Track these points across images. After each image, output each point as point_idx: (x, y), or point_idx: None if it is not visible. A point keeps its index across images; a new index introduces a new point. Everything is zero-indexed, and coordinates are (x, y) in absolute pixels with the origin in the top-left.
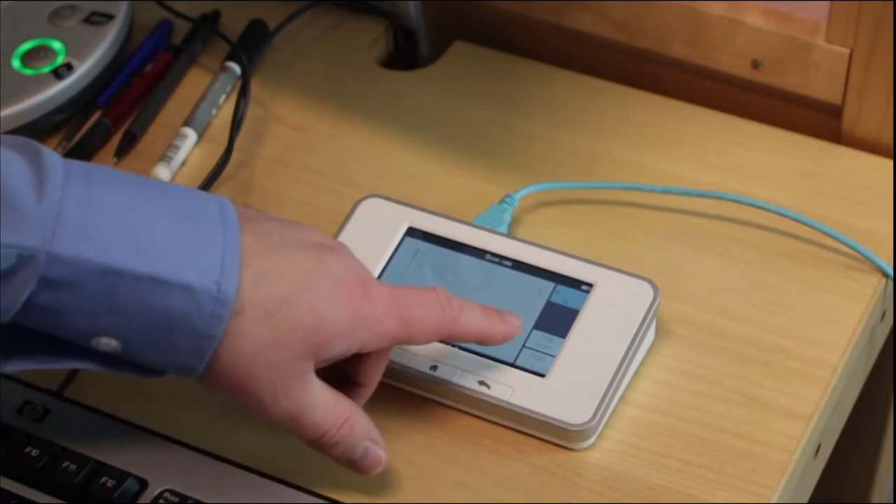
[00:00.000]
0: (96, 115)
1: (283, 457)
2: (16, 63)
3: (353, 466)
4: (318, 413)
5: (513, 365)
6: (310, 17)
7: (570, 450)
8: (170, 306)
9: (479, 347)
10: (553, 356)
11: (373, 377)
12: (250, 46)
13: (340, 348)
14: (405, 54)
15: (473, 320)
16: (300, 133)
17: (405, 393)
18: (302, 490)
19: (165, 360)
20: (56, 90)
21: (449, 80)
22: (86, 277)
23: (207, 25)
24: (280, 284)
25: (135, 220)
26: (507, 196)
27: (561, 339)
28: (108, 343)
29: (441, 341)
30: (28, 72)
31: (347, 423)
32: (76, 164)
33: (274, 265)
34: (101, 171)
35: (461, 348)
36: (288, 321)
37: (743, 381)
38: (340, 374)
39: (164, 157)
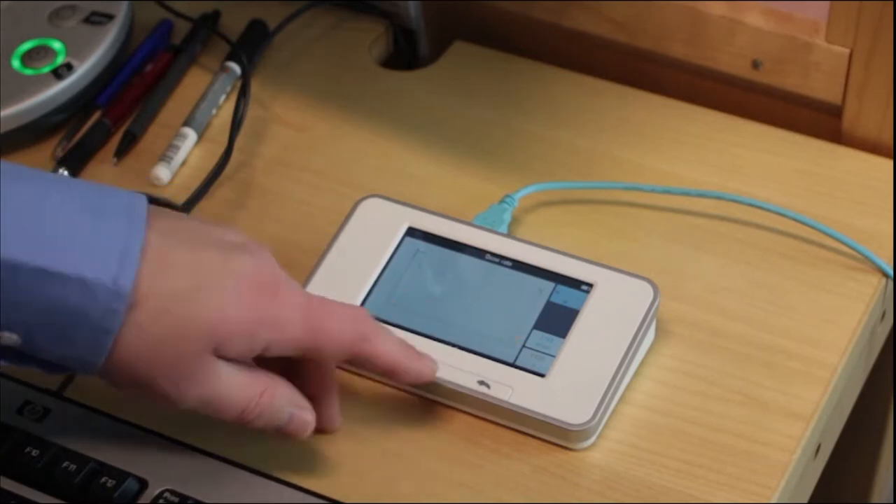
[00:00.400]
0: (96, 115)
1: (283, 457)
2: (16, 63)
3: (282, 434)
4: (232, 393)
5: (513, 365)
6: (310, 17)
7: (570, 450)
8: (67, 300)
9: (480, 347)
10: (553, 356)
11: (321, 391)
12: (250, 46)
13: (241, 346)
14: (405, 54)
15: (387, 348)
16: (300, 133)
17: (405, 393)
18: (302, 490)
19: (65, 355)
20: (56, 90)
21: (449, 80)
22: None
23: (207, 25)
24: (180, 279)
25: (37, 214)
26: (507, 196)
27: (561, 339)
28: (10, 337)
29: (350, 363)
30: (28, 72)
31: (266, 393)
32: None
33: (177, 260)
34: (6, 166)
35: (461, 348)
36: (185, 316)
37: (743, 381)
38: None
39: (164, 157)
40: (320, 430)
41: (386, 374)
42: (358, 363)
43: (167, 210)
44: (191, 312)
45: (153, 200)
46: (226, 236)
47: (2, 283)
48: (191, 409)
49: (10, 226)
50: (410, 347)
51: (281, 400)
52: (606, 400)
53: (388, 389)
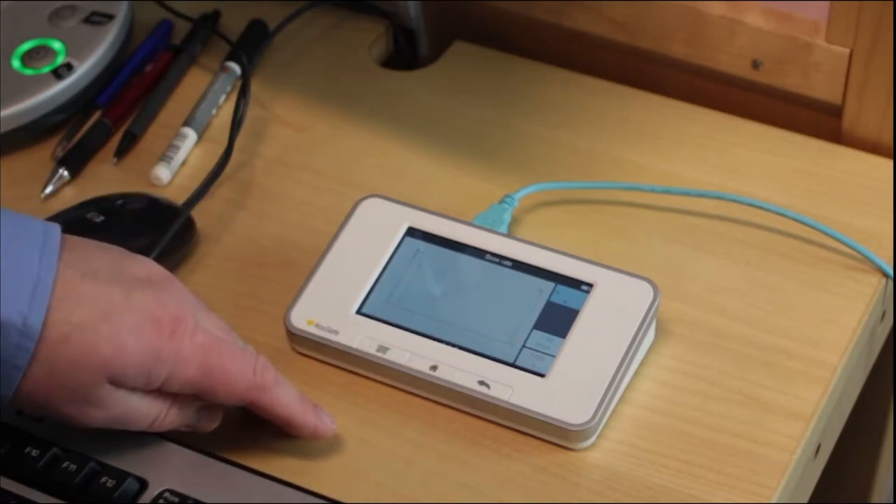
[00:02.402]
0: (96, 115)
1: (283, 457)
2: (16, 63)
3: (196, 430)
4: (136, 416)
5: (513, 365)
6: (310, 17)
7: (570, 450)
8: None
9: (480, 347)
10: (553, 356)
11: (203, 425)
12: (250, 46)
13: (138, 380)
14: (405, 54)
15: (285, 399)
16: (300, 133)
17: (405, 393)
18: (302, 490)
19: None
20: (56, 90)
21: (449, 80)
22: None
23: (207, 25)
24: (81, 311)
25: None
26: (507, 196)
27: (561, 339)
28: None
29: (250, 406)
30: (28, 72)
31: (169, 413)
32: None
33: (79, 292)
34: None
35: (461, 348)
36: (84, 346)
37: (743, 381)
38: None
39: (164, 157)
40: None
41: (281, 425)
42: (254, 410)
43: (80, 240)
44: (89, 344)
45: (153, 202)
46: (134, 269)
47: None
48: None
49: None
50: (309, 403)
51: (186, 407)
52: (606, 400)
53: (388, 390)
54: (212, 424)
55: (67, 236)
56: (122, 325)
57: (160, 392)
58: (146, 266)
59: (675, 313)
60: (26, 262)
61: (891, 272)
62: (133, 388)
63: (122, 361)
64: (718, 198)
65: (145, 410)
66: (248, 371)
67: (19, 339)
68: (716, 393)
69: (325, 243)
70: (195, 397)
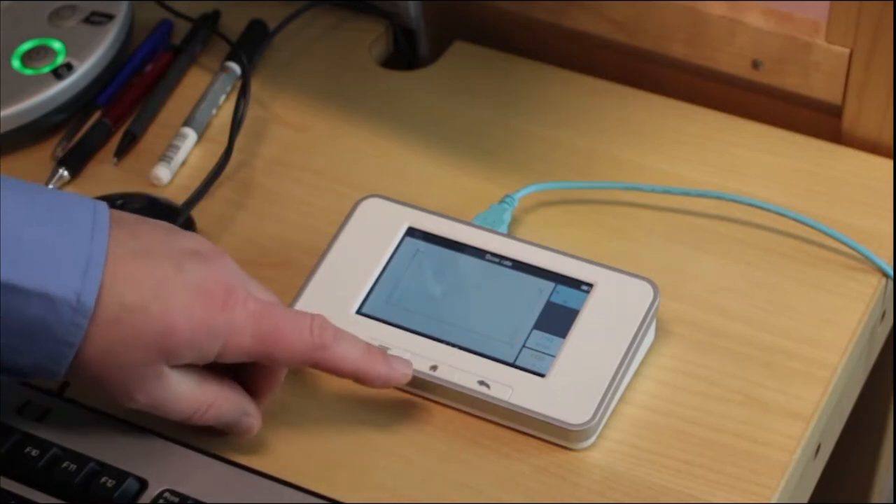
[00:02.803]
0: (96, 115)
1: (283, 457)
2: (16, 63)
3: (234, 433)
4: (180, 403)
5: (513, 365)
6: (310, 17)
7: (570, 450)
8: (30, 314)
9: (480, 347)
10: (553, 356)
11: (262, 391)
12: (250, 46)
13: (191, 356)
14: (405, 54)
15: (349, 354)
16: (300, 133)
17: (405, 393)
18: (302, 490)
19: (27, 363)
20: (56, 90)
21: (449, 80)
22: None
23: (207, 25)
24: (132, 291)
25: (4, 229)
26: (507, 196)
27: (561, 339)
28: None
29: (315, 367)
30: (28, 72)
31: (212, 407)
32: None
33: (130, 271)
34: None
35: (461, 348)
36: (135, 327)
37: (743, 381)
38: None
39: (164, 157)
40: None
41: (350, 379)
42: (319, 369)
43: (126, 216)
44: (141, 324)
45: (153, 202)
46: (183, 243)
47: None
48: (139, 409)
49: None
50: (377, 353)
51: (228, 412)
52: (606, 400)
53: (388, 390)
54: (251, 430)
55: (115, 212)
56: (173, 302)
57: (210, 379)
58: (193, 239)
59: (675, 313)
60: (78, 239)
61: (891, 272)
62: (187, 366)
63: (174, 339)
64: (718, 198)
65: (186, 403)
66: (304, 332)
67: (73, 316)
68: (716, 393)
69: (325, 243)
70: (240, 396)
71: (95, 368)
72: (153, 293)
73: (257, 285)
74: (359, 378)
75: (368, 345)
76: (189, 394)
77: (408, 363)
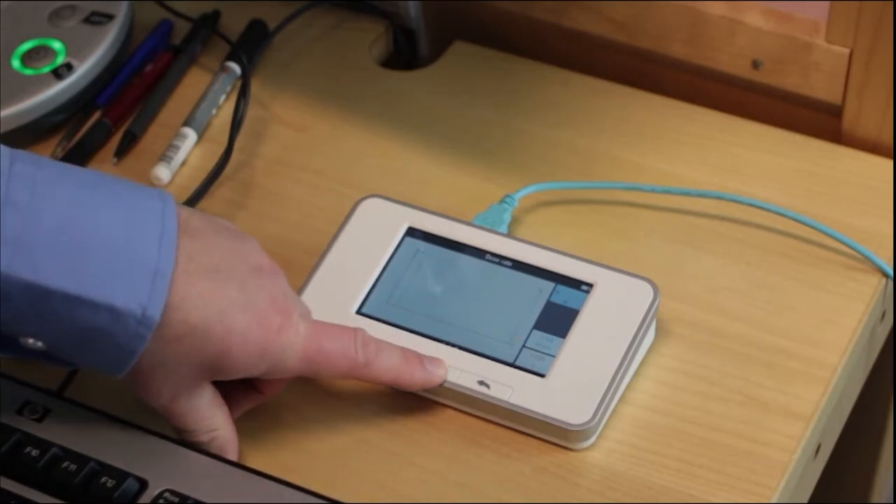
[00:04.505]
0: (96, 115)
1: (283, 457)
2: (16, 63)
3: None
4: (187, 418)
5: (513, 365)
6: (310, 17)
7: (570, 450)
8: (96, 323)
9: (480, 347)
10: (553, 356)
11: (270, 391)
12: (250, 46)
13: (239, 376)
14: (405, 54)
15: (390, 365)
16: (300, 133)
17: (405, 393)
18: (302, 490)
19: (89, 364)
20: (56, 90)
21: (449, 80)
22: (16, 290)
23: (207, 25)
24: (199, 311)
25: (72, 235)
26: (507, 196)
27: (561, 339)
28: (35, 343)
29: (357, 380)
30: (28, 72)
31: (209, 434)
32: (20, 160)
33: (200, 290)
34: (48, 171)
35: (461, 348)
36: (195, 347)
37: (743, 381)
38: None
39: (164, 157)
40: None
41: (392, 386)
42: (366, 381)
43: (194, 218)
44: (201, 344)
45: None
46: (249, 257)
47: (32, 302)
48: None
49: (44, 250)
50: (415, 357)
51: (217, 446)
52: (606, 400)
53: (388, 389)
54: (216, 451)
55: (184, 214)
56: (235, 325)
57: (218, 414)
58: (256, 252)
59: (675, 313)
60: (146, 247)
61: (891, 272)
62: (215, 393)
63: (228, 360)
64: (718, 198)
65: (192, 421)
66: (349, 351)
67: (137, 328)
68: (716, 393)
69: (325, 243)
70: (230, 439)
71: (144, 373)
72: (218, 315)
73: (295, 297)
74: (399, 385)
75: (405, 351)
76: (200, 414)
77: (442, 363)
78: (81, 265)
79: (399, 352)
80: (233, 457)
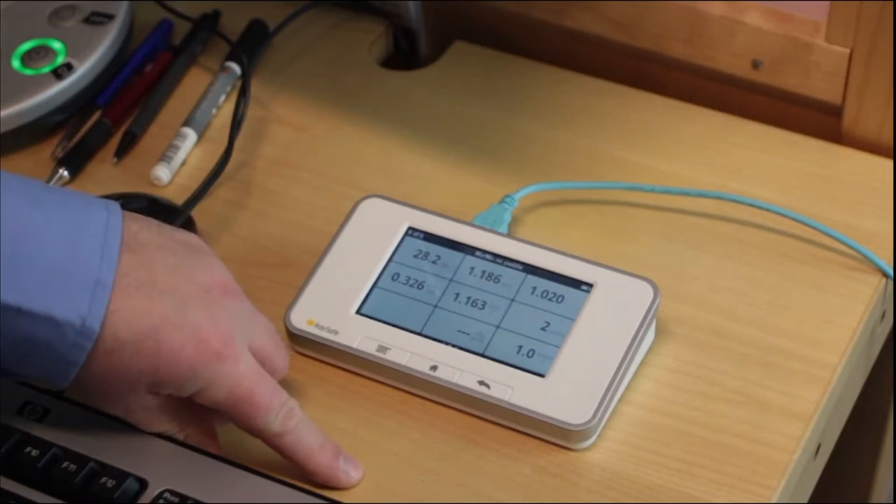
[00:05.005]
0: (96, 115)
1: None
2: (16, 63)
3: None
4: (151, 421)
5: (513, 365)
6: (310, 17)
7: (570, 450)
8: (36, 334)
9: (480, 347)
10: (553, 356)
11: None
12: (250, 46)
13: (170, 390)
14: (405, 54)
15: (304, 445)
16: (300, 133)
17: (405, 393)
18: (302, 490)
19: (32, 374)
20: (56, 90)
21: (449, 80)
22: None
23: (207, 25)
24: (129, 327)
25: (15, 247)
26: (507, 196)
27: (561, 339)
28: None
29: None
30: (28, 72)
31: (182, 433)
32: None
33: (132, 306)
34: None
35: (461, 348)
36: (125, 361)
37: (743, 381)
38: None
39: (164, 157)
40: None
41: (297, 468)
42: (272, 447)
43: (144, 232)
44: (129, 359)
45: (153, 202)
46: (200, 277)
47: None
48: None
49: None
50: (329, 450)
51: (194, 441)
52: (606, 400)
53: (388, 390)
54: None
55: (133, 228)
56: (165, 343)
57: (176, 416)
58: (210, 272)
59: (675, 313)
60: (87, 259)
61: (891, 272)
62: (171, 399)
63: (158, 376)
64: (718, 198)
65: (156, 425)
66: (272, 414)
67: (76, 339)
68: (716, 393)
69: (325, 243)
70: (197, 436)
71: (86, 385)
72: (148, 331)
73: (258, 324)
74: (304, 469)
75: (328, 440)
76: (162, 416)
77: (358, 466)
78: (23, 276)
79: (318, 438)
80: (212, 448)
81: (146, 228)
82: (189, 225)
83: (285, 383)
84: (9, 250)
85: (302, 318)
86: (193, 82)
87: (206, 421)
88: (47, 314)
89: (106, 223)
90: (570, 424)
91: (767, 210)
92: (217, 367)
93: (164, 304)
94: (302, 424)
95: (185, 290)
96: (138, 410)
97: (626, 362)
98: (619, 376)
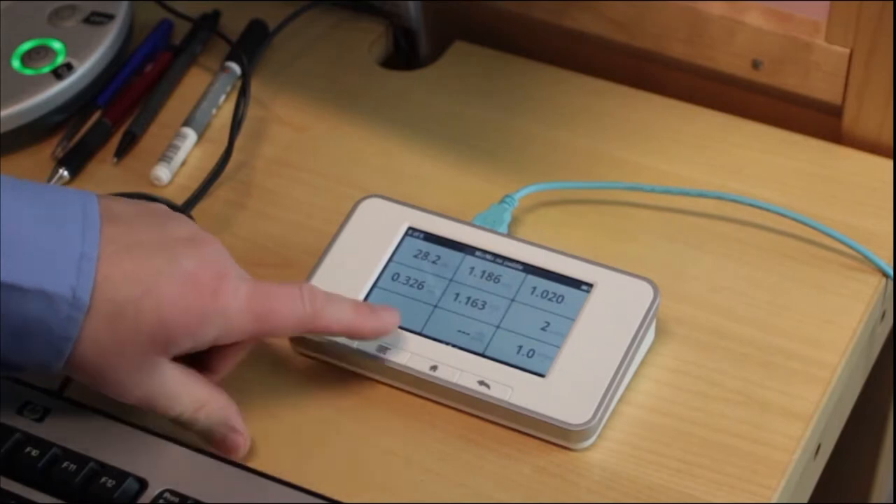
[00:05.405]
0: (96, 115)
1: (283, 457)
2: (16, 63)
3: (215, 447)
4: (170, 399)
5: (513, 365)
6: (310, 17)
7: (570, 450)
8: (28, 311)
9: (480, 347)
10: (553, 356)
11: (223, 367)
12: (250, 46)
13: (188, 344)
14: (405, 54)
15: (339, 317)
16: (300, 133)
17: (405, 393)
18: (302, 490)
19: (25, 359)
20: (56, 90)
21: (449, 80)
22: None
23: (207, 25)
24: (125, 288)
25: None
26: (507, 196)
27: (561, 339)
28: None
29: (311, 333)
30: (28, 72)
31: (202, 409)
32: None
33: (123, 268)
34: None
35: (461, 348)
36: (130, 323)
37: (743, 381)
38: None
39: (164, 157)
40: None
41: (344, 336)
42: (314, 333)
43: (118, 205)
44: (134, 319)
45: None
46: (176, 231)
47: None
48: (133, 405)
49: None
50: (366, 307)
51: (216, 419)
52: (606, 400)
53: (388, 390)
54: (237, 448)
55: (106, 203)
56: (164, 295)
57: (202, 381)
58: (186, 225)
59: (675, 313)
60: (70, 237)
61: (891, 272)
62: (182, 367)
63: (168, 330)
64: (718, 198)
65: (177, 400)
66: (297, 304)
67: (69, 311)
68: (716, 393)
69: (325, 243)
70: (230, 404)
71: (93, 364)
72: (144, 288)
73: (233, 261)
74: (352, 335)
75: (356, 302)
76: (182, 389)
77: (395, 311)
78: (10, 257)
79: (349, 303)
80: (237, 422)
81: (118, 202)
82: None
83: (285, 382)
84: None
85: None
86: (193, 82)
87: (221, 397)
88: (38, 288)
89: (83, 202)
90: (570, 424)
91: (767, 210)
92: (221, 302)
93: (154, 260)
94: (330, 299)
95: (169, 244)
96: (156, 388)
97: (626, 362)
98: (619, 376)
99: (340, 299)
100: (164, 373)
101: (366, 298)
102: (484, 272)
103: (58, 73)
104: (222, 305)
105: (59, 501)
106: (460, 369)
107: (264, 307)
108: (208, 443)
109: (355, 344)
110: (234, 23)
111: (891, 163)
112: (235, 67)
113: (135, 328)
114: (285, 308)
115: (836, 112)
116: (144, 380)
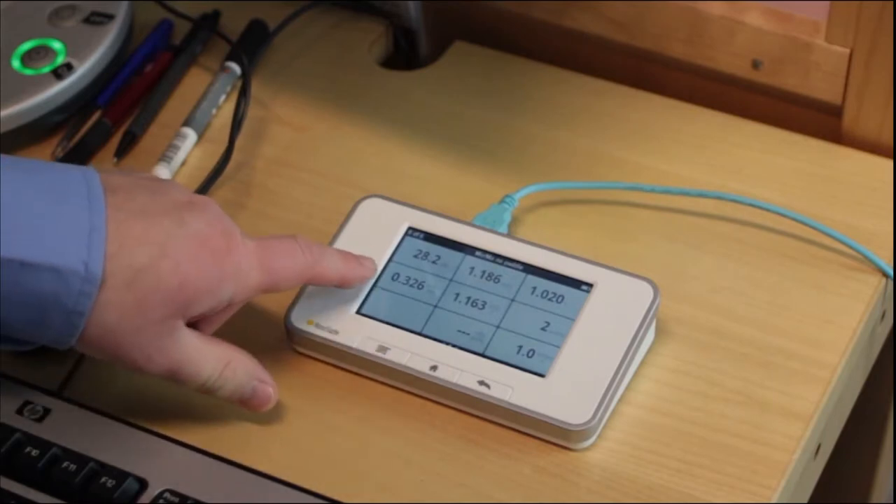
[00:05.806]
0: (96, 115)
1: (283, 457)
2: (16, 63)
3: (245, 406)
4: (197, 363)
5: (513, 365)
6: (310, 17)
7: (570, 450)
8: (41, 287)
9: (480, 347)
10: (553, 356)
11: (209, 331)
12: (250, 46)
13: (208, 304)
14: (405, 54)
15: (333, 265)
16: (300, 133)
17: (405, 393)
18: (302, 490)
19: (39, 335)
20: (56, 90)
21: (449, 80)
22: None
23: (207, 25)
24: (139, 252)
25: (5, 204)
26: (507, 196)
27: (561, 339)
28: None
29: (308, 283)
30: (28, 72)
31: (229, 366)
32: None
33: (134, 234)
34: None
35: (461, 348)
36: (148, 287)
37: (743, 381)
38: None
39: (164, 157)
40: None
41: (334, 286)
42: (310, 283)
43: (114, 177)
44: (153, 283)
45: None
46: (172, 196)
47: None
48: (155, 376)
49: None
50: (351, 257)
51: (244, 373)
52: (606, 400)
53: (388, 390)
54: (268, 398)
55: (106, 176)
56: (181, 256)
57: (220, 346)
58: (182, 189)
59: (675, 313)
60: (76, 211)
61: (891, 272)
62: (204, 316)
63: (189, 291)
64: (718, 198)
65: (203, 362)
66: (297, 254)
67: (81, 286)
68: (716, 393)
69: (325, 243)
70: (251, 358)
71: (113, 335)
72: (160, 251)
73: (232, 221)
74: (344, 282)
75: (341, 251)
76: (204, 351)
77: (370, 259)
78: (20, 234)
79: (338, 252)
80: (262, 373)
81: (115, 173)
82: None
83: (285, 382)
84: (4, 211)
85: (302, 318)
86: (193, 82)
87: (243, 352)
88: (49, 264)
89: (84, 177)
90: (570, 424)
91: (767, 210)
92: (235, 258)
93: (163, 223)
94: (322, 249)
95: (173, 208)
96: (181, 352)
97: (626, 362)
98: (619, 376)
99: (329, 248)
100: (184, 336)
101: (366, 298)
102: (484, 272)
103: (58, 73)
104: (236, 262)
105: (59, 501)
106: (460, 369)
107: (270, 261)
108: (239, 403)
109: (356, 344)
110: (234, 23)
111: (891, 163)
112: (235, 67)
113: (155, 291)
114: (288, 259)
115: (836, 112)
116: (167, 345)
